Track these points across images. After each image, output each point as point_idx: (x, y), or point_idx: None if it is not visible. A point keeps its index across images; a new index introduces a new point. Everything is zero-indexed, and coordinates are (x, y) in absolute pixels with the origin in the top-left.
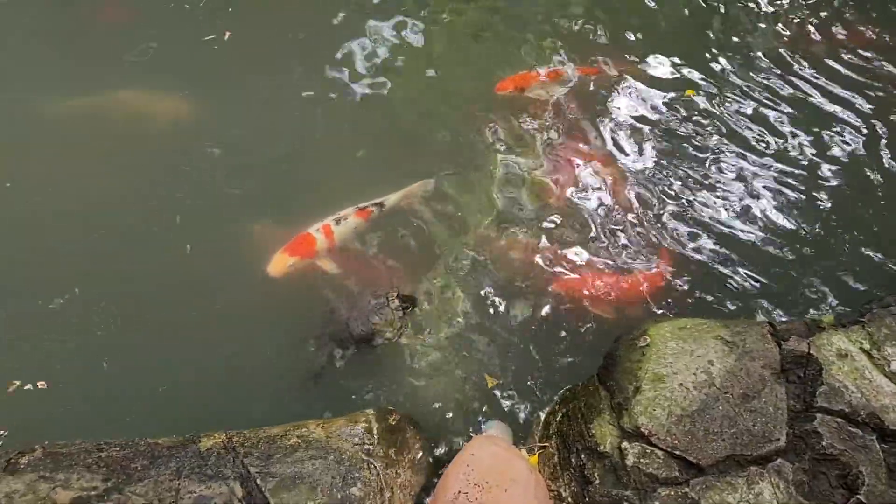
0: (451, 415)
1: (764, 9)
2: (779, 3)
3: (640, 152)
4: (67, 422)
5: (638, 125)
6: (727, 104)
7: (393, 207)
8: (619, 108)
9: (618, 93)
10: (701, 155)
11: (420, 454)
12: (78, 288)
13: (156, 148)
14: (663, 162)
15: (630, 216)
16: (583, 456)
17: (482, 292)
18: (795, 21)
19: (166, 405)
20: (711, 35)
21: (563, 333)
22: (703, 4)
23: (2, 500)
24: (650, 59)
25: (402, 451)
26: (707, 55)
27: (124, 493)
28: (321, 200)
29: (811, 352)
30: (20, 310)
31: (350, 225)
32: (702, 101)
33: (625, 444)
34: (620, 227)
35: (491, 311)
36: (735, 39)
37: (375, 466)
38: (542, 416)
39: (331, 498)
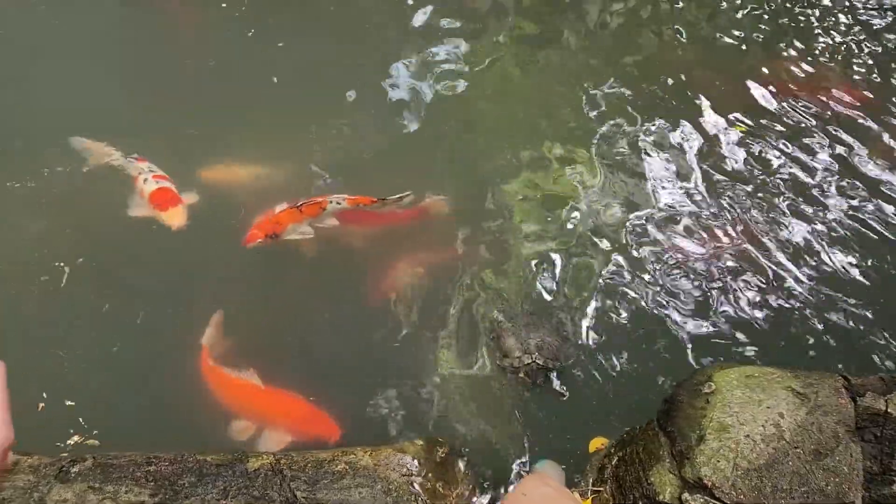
0: (502, 450)
1: None
2: None
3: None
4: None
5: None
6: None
7: None
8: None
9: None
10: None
11: (468, 490)
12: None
13: None
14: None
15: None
16: None
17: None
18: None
19: None
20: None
21: (620, 373)
22: None
23: None
24: None
25: (449, 486)
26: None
27: None
28: None
29: (889, 410)
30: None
31: None
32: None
33: (686, 496)
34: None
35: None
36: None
37: (423, 499)
38: (596, 457)
39: None
